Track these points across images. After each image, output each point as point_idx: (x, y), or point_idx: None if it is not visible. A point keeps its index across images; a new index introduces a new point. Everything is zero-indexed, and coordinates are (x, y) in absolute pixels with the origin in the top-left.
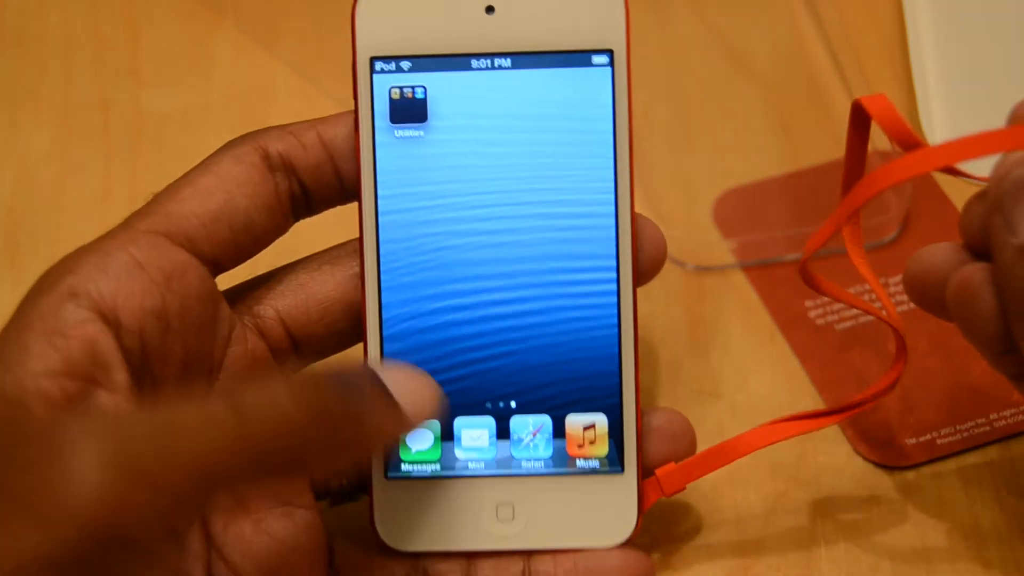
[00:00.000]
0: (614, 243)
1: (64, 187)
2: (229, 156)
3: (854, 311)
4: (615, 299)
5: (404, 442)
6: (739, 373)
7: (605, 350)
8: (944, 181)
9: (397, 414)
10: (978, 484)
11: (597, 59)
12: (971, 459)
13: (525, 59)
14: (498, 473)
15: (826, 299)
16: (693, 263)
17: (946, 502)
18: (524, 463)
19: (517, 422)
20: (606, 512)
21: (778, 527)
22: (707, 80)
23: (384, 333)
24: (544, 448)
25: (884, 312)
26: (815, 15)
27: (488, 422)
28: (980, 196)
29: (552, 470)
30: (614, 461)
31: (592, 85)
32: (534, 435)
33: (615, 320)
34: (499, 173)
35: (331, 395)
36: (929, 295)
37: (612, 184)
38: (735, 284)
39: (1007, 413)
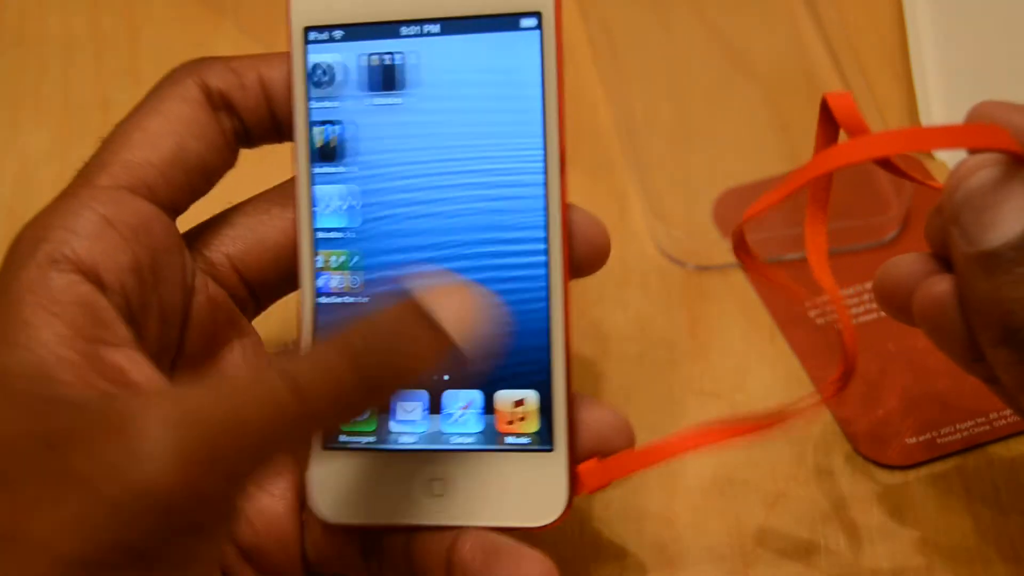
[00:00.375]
0: (543, 218)
1: (64, 187)
2: (174, 94)
3: (854, 311)
4: (544, 272)
5: None
6: (739, 373)
7: (535, 325)
8: (944, 180)
9: (446, 343)
10: (978, 484)
11: (525, 22)
12: (971, 459)
13: (453, 24)
14: (430, 447)
15: (826, 299)
16: (693, 263)
17: (946, 502)
18: (454, 438)
19: (449, 396)
20: (536, 491)
21: (778, 527)
22: (707, 80)
23: (318, 302)
24: (474, 423)
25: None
26: (815, 15)
27: (421, 395)
28: (939, 208)
29: (482, 446)
30: (544, 439)
31: (520, 50)
32: (464, 409)
33: (544, 296)
34: (431, 142)
35: (382, 347)
36: (898, 307)
37: (541, 155)
38: (735, 284)
39: (1007, 413)
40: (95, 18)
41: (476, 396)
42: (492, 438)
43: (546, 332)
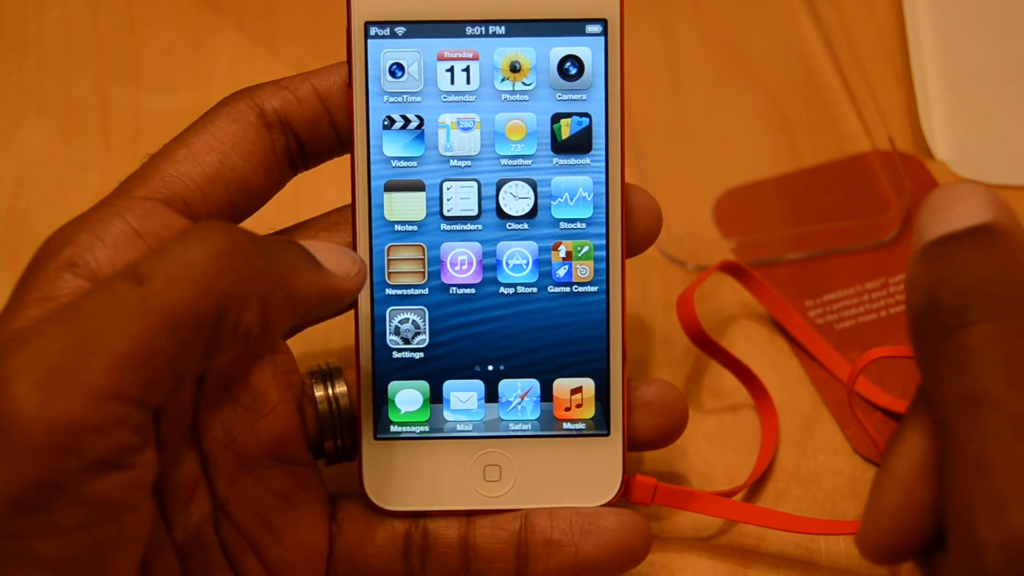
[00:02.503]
0: (604, 209)
1: (64, 187)
2: (224, 114)
3: (854, 311)
4: (604, 265)
5: (393, 403)
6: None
7: (593, 316)
8: (944, 180)
9: (323, 273)
10: None
11: (591, 28)
12: None
13: (519, 26)
14: (486, 435)
15: (826, 299)
16: (693, 263)
17: None
18: (512, 425)
19: (506, 385)
20: (591, 473)
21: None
22: (707, 80)
23: (374, 296)
24: (532, 411)
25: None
26: (815, 15)
27: (477, 385)
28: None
29: (539, 432)
30: (600, 424)
31: (586, 54)
32: (522, 398)
33: (604, 286)
34: (490, 140)
35: (250, 248)
36: None
37: (603, 152)
38: (735, 284)
39: None
40: (95, 18)
41: (534, 384)
42: (549, 424)
43: (604, 323)
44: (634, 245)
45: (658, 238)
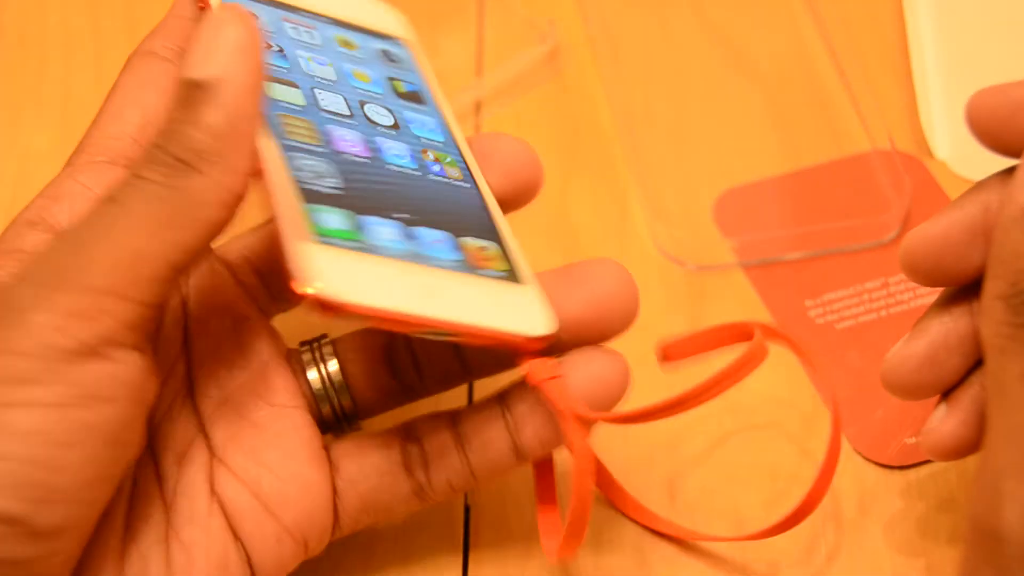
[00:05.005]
0: (453, 141)
1: None
2: (126, 72)
3: (854, 310)
4: (469, 174)
5: (321, 219)
6: None
7: (475, 201)
8: (944, 180)
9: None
10: None
11: (399, 42)
12: (971, 459)
13: (345, 26)
14: (417, 262)
15: (826, 299)
16: (693, 263)
17: (946, 502)
18: (438, 259)
19: (422, 231)
20: (524, 310)
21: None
22: (707, 80)
23: (280, 143)
24: (452, 252)
25: None
26: (815, 15)
27: (395, 224)
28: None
29: (464, 270)
30: (515, 277)
31: (398, 51)
32: (438, 242)
33: (475, 184)
34: (344, 76)
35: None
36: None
37: (436, 106)
38: (735, 284)
39: None
40: (95, 18)
41: (447, 234)
42: (471, 266)
43: (484, 205)
44: (512, 197)
45: (655, 239)
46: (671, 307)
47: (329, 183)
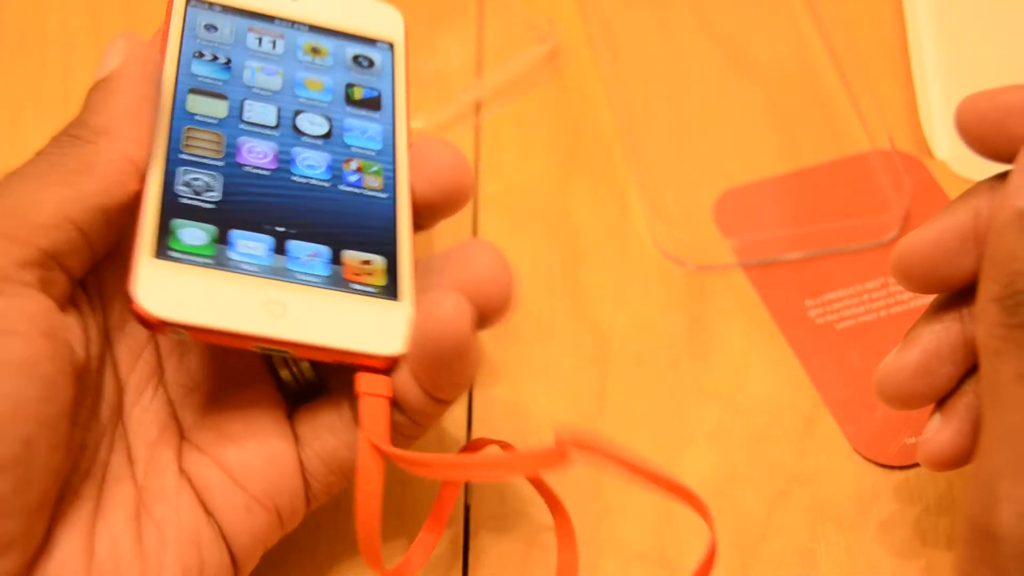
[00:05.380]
0: (392, 148)
1: None
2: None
3: (854, 310)
4: (393, 183)
5: (175, 235)
6: (739, 373)
7: (384, 212)
8: (944, 180)
9: None
10: None
11: (380, 44)
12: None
13: (322, 31)
14: (272, 277)
15: (826, 299)
16: (693, 263)
17: (945, 502)
18: (299, 275)
19: (295, 245)
20: (377, 327)
21: (778, 527)
22: (707, 80)
23: (169, 157)
24: (321, 268)
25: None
26: (815, 15)
27: (266, 239)
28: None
29: (327, 286)
30: (391, 292)
31: (376, 56)
32: (312, 257)
33: (393, 194)
34: (291, 85)
35: None
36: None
37: (391, 114)
38: (735, 284)
39: None
40: (95, 18)
41: (324, 248)
42: (337, 282)
43: (393, 216)
44: (442, 193)
45: (655, 239)
46: (671, 307)
47: (208, 197)
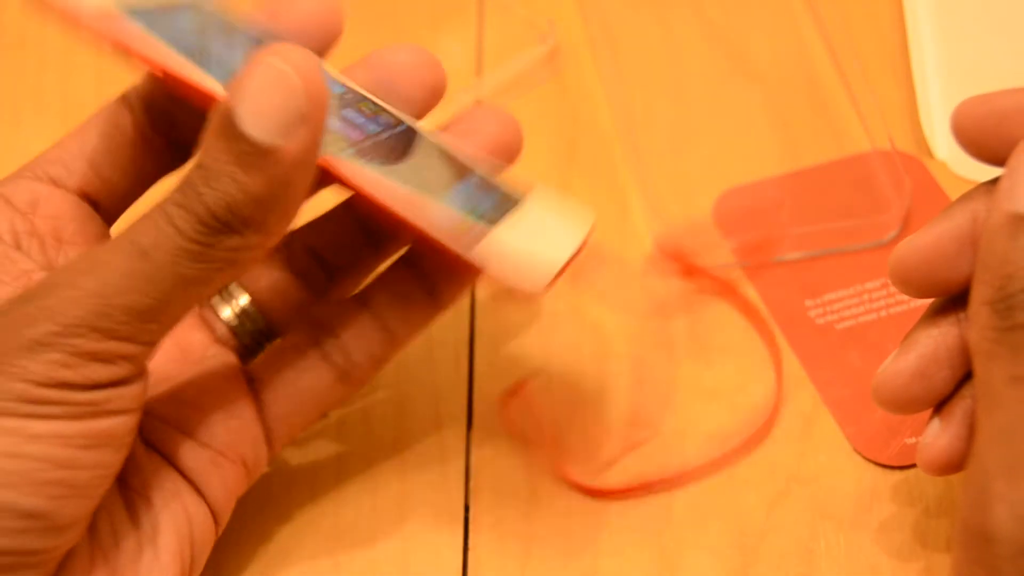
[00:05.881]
0: None
1: None
2: (93, 116)
3: (854, 310)
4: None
5: None
6: (739, 373)
7: None
8: (944, 180)
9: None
10: None
11: None
12: None
13: None
14: None
15: (826, 299)
16: (693, 263)
17: (945, 502)
18: None
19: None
20: None
21: (778, 527)
22: (707, 80)
23: None
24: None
25: None
26: (815, 15)
27: None
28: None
29: None
30: None
31: None
32: None
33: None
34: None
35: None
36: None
37: None
38: (735, 284)
39: None
40: None
41: None
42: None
43: None
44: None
45: (658, 238)
46: (671, 307)
47: None
